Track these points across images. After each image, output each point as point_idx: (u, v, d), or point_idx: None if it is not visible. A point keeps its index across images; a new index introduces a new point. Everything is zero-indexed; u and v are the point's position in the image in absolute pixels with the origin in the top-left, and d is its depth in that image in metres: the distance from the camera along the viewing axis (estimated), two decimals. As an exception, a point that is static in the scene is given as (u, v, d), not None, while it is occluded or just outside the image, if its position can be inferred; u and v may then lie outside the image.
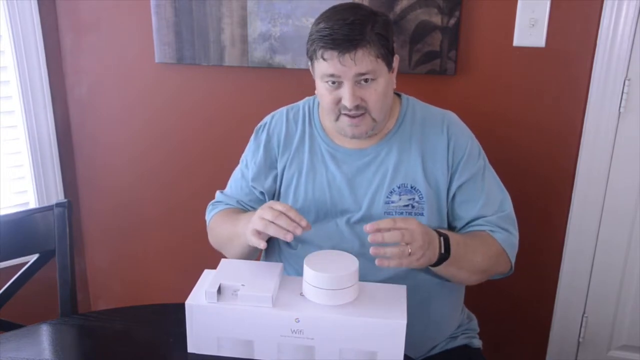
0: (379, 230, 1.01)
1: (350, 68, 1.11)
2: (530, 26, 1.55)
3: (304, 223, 1.05)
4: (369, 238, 1.02)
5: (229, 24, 1.74)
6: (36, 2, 1.88)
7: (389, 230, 1.01)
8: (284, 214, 1.05)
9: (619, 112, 1.57)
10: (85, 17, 1.92)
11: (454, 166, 1.23)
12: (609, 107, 1.57)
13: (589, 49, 1.55)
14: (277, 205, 1.07)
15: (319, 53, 1.13)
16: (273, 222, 1.05)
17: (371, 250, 1.01)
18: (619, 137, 1.60)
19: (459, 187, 1.23)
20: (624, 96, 1.56)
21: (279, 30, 1.70)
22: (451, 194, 1.23)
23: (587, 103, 1.58)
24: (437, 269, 1.13)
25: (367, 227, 1.02)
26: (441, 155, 1.22)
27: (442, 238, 1.10)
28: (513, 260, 1.24)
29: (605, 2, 1.50)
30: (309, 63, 1.20)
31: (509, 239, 1.22)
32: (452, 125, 1.25)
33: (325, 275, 0.97)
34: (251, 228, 1.09)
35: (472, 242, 1.18)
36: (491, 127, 1.63)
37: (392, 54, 1.18)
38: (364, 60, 1.11)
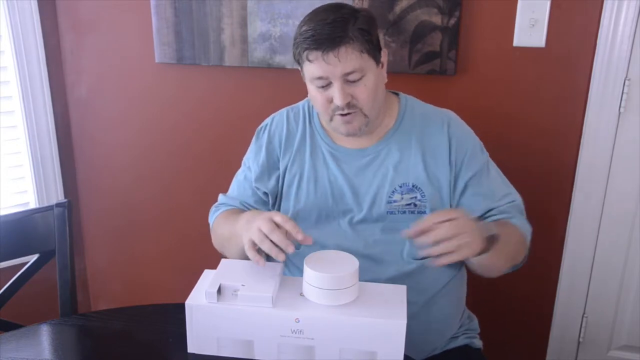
0: (423, 232, 0.97)
1: (335, 67, 1.11)
2: (530, 26, 1.55)
3: (300, 236, 1.02)
4: (416, 242, 0.97)
5: (229, 24, 1.74)
6: (36, 2, 1.88)
7: (431, 228, 0.97)
8: (281, 226, 1.02)
9: (619, 112, 1.57)
10: (85, 17, 1.92)
11: (457, 164, 1.23)
12: (609, 107, 1.57)
13: (589, 49, 1.55)
14: (276, 217, 1.03)
15: (304, 55, 1.14)
16: (268, 238, 1.02)
17: (423, 253, 0.97)
18: (619, 137, 1.59)
19: (466, 183, 1.23)
20: (624, 96, 1.56)
21: (279, 30, 1.70)
22: (459, 191, 1.23)
23: (587, 103, 1.58)
24: (482, 258, 1.06)
25: (408, 232, 0.99)
26: (443, 154, 1.23)
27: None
28: (528, 249, 1.23)
29: (605, 2, 1.49)
30: (299, 67, 1.21)
31: (525, 226, 1.22)
32: (453, 124, 1.26)
33: (325, 275, 0.97)
34: (248, 238, 1.05)
35: (501, 228, 1.14)
36: (491, 127, 1.63)
37: (379, 49, 1.18)
38: (349, 57, 1.11)
